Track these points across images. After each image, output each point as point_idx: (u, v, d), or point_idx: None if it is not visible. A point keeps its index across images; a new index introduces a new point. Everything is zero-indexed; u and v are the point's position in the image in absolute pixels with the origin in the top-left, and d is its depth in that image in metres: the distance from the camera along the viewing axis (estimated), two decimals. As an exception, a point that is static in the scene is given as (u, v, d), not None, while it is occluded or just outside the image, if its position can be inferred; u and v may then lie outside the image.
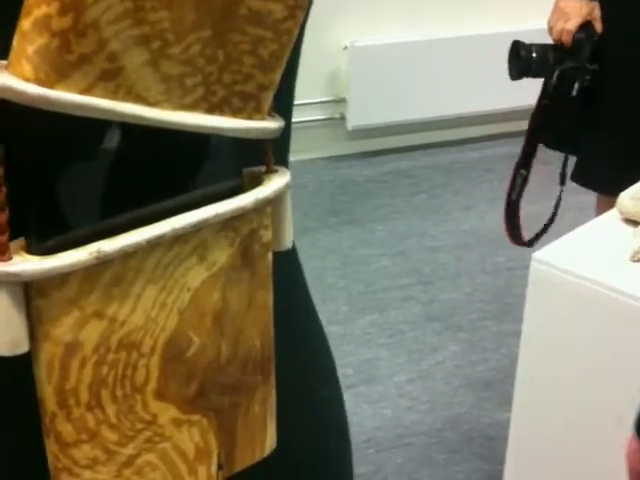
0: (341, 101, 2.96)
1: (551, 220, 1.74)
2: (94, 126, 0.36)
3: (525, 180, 1.68)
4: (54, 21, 0.32)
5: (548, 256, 1.20)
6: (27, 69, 0.33)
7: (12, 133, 0.35)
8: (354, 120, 2.95)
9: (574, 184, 1.74)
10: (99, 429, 0.40)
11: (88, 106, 0.34)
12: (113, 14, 0.33)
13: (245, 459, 0.46)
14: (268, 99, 0.40)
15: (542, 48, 1.69)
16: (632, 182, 1.29)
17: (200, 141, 0.40)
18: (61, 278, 0.37)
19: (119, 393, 0.41)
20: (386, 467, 1.76)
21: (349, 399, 0.67)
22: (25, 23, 0.33)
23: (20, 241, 0.37)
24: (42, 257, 0.36)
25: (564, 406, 1.19)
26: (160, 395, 0.42)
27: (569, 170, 1.73)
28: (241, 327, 0.44)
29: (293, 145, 0.50)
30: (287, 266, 0.49)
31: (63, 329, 0.38)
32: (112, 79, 0.35)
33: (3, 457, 0.44)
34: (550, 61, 1.67)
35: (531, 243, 1.69)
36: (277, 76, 0.40)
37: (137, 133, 0.38)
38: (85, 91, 0.34)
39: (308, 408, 0.54)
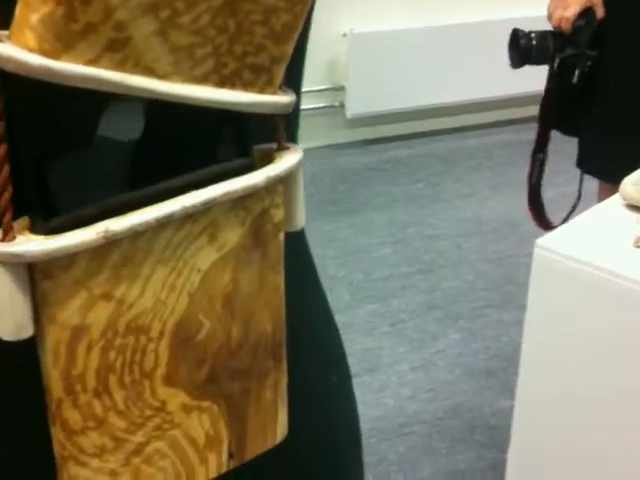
0: (340, 89, 2.94)
1: (575, 205, 1.74)
2: (100, 100, 0.34)
3: (543, 163, 1.68)
4: (59, -13, 0.31)
5: (551, 242, 1.19)
6: (30, 39, 0.32)
7: (14, 106, 0.33)
8: (353, 108, 2.94)
9: (578, 172, 1.73)
10: (107, 416, 0.39)
11: (94, 78, 0.33)
12: (120, -20, 0.32)
13: (256, 447, 0.45)
14: (280, 72, 0.39)
15: (542, 35, 1.68)
16: (634, 169, 1.27)
17: (210, 117, 0.39)
18: (67, 259, 0.35)
19: (127, 379, 0.39)
20: (388, 456, 1.75)
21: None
22: (28, -10, 0.31)
23: (24, 220, 0.36)
24: (47, 237, 0.35)
25: (568, 393, 1.18)
26: (169, 381, 0.41)
27: None
28: (252, 310, 0.42)
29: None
30: (296, 249, 0.48)
31: (70, 312, 0.36)
32: (119, 50, 0.33)
33: (8, 446, 0.42)
34: (550, 48, 1.67)
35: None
36: (289, 48, 0.38)
37: (145, 108, 0.37)
38: (91, 62, 0.33)
39: (318, 394, 0.53)
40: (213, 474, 0.43)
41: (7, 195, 0.34)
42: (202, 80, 0.36)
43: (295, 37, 0.38)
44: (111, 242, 0.36)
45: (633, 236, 1.17)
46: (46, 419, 0.38)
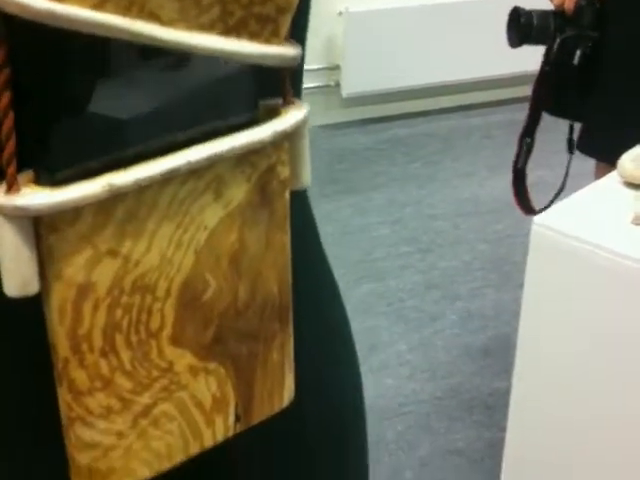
0: (336, 68, 2.92)
1: (561, 188, 1.73)
2: (104, 48, 0.34)
3: (530, 148, 1.66)
4: None
5: (549, 220, 1.18)
6: (33, -18, 0.31)
7: (17, 53, 0.32)
8: (349, 87, 2.92)
9: (566, 154, 1.72)
10: (113, 376, 0.38)
11: (99, 23, 0.32)
12: None
13: (263, 411, 0.45)
14: (286, 23, 0.38)
15: (543, 15, 1.66)
16: (633, 149, 1.27)
17: (215, 70, 0.38)
18: (73, 212, 0.35)
19: (134, 339, 0.38)
20: (387, 435, 1.75)
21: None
22: None
23: (28, 173, 0.35)
24: (52, 189, 0.34)
25: (566, 372, 1.17)
26: (176, 341, 0.40)
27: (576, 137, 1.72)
28: (259, 270, 0.42)
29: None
30: (300, 211, 0.47)
31: (75, 268, 0.36)
32: (124, -5, 0.32)
33: (14, 405, 0.42)
34: (551, 28, 1.65)
35: (541, 212, 1.68)
36: (295, -2, 0.37)
37: (150, 60, 0.36)
38: (96, 7, 0.32)
39: (323, 363, 0.52)
40: (220, 437, 0.43)
41: (11, 145, 0.33)
42: (207, 28, 0.35)
43: (302, -14, 0.37)
44: (116, 196, 0.35)
45: (631, 213, 1.17)
46: (52, 380, 0.38)
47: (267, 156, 0.40)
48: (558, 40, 1.60)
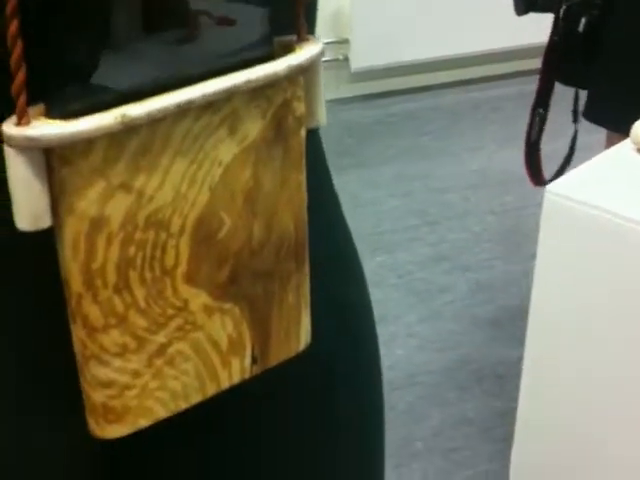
0: (344, 42, 2.90)
1: (568, 159, 1.71)
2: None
3: (544, 119, 1.64)
4: None
5: (562, 188, 1.17)
6: None
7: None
8: (357, 62, 2.90)
9: (585, 124, 1.70)
10: (128, 314, 0.38)
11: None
12: None
13: (280, 353, 0.44)
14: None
15: None
16: (642, 117, 1.25)
17: (231, 5, 0.37)
18: (85, 144, 0.34)
19: (148, 275, 0.38)
20: (398, 406, 1.76)
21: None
22: None
23: (40, 106, 0.34)
24: (64, 121, 0.34)
25: (579, 341, 1.17)
26: (190, 279, 0.39)
27: (581, 107, 1.70)
28: (274, 208, 0.41)
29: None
30: (313, 149, 0.46)
31: (88, 202, 0.35)
32: None
33: (28, 345, 0.41)
34: (557, -5, 1.63)
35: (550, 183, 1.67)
36: None
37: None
38: None
39: (340, 307, 0.52)
40: (237, 379, 0.43)
41: (21, 75, 0.33)
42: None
43: None
44: (129, 129, 0.35)
45: (646, 180, 1.16)
46: (66, 318, 0.37)
47: (282, 90, 0.39)
48: (564, 7, 1.58)
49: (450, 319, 2.00)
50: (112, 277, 0.37)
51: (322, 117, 0.42)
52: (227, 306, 0.41)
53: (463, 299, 2.06)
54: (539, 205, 1.18)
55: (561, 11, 1.59)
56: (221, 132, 0.38)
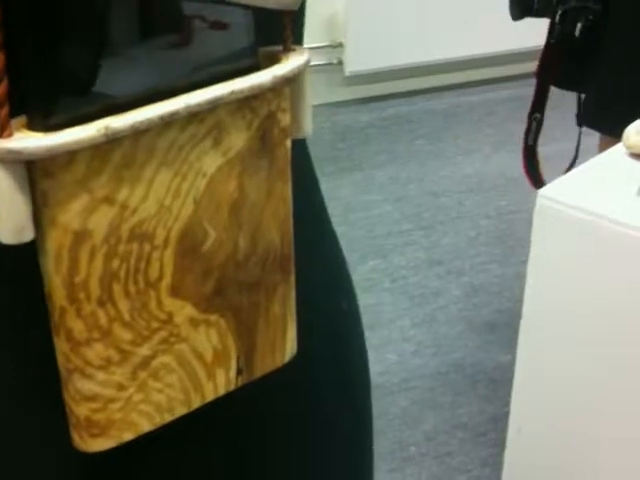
0: (338, 46, 2.90)
1: (573, 163, 1.72)
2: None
3: (540, 123, 1.65)
4: None
5: (554, 192, 1.17)
6: None
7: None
8: (352, 65, 2.90)
9: (575, 127, 1.71)
10: (112, 327, 0.38)
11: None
12: None
13: (266, 364, 0.44)
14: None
15: None
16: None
17: (215, 14, 0.37)
18: (68, 157, 0.34)
19: (132, 288, 0.38)
20: (391, 410, 1.75)
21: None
22: None
23: (22, 118, 0.34)
24: (46, 133, 0.33)
25: (571, 345, 1.17)
26: (175, 292, 0.39)
27: None
28: (259, 220, 0.41)
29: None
30: (300, 160, 0.46)
31: (71, 215, 0.35)
32: None
33: (12, 358, 0.41)
34: (553, 0, 1.64)
35: None
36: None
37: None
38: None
39: (328, 316, 0.51)
40: (222, 391, 0.42)
41: (3, 87, 0.32)
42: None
43: None
44: (112, 141, 0.35)
45: (637, 184, 1.16)
46: (50, 332, 0.37)
47: (267, 102, 0.39)
48: (560, 11, 1.58)
49: (444, 323, 2.00)
50: (96, 290, 0.37)
51: (308, 128, 0.41)
52: (212, 318, 0.41)
53: (457, 303, 2.06)
54: (533, 209, 1.18)
55: (557, 16, 1.59)
56: (206, 143, 0.38)
